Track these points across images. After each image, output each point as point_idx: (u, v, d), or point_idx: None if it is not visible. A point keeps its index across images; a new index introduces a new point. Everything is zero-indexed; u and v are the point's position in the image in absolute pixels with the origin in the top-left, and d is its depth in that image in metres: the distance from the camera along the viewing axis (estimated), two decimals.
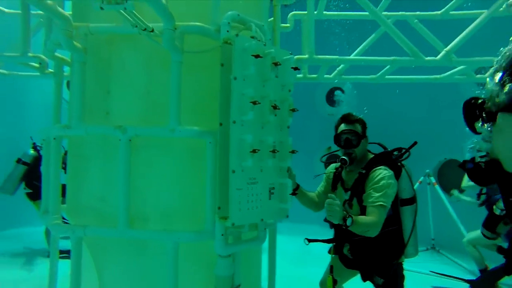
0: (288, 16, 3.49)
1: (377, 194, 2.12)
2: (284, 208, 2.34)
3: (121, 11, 1.77)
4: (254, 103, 2.02)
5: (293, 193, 2.44)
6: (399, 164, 2.25)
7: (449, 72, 3.26)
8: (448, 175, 5.98)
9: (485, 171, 1.65)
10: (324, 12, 3.31)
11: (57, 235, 2.62)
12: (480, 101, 1.37)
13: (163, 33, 2.03)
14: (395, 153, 2.25)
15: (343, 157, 2.36)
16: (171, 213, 2.31)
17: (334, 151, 2.65)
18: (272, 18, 3.06)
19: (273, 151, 2.17)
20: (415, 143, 2.23)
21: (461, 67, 3.04)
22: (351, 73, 3.68)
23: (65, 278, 2.91)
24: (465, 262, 5.10)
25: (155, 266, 2.32)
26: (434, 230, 5.80)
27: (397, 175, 2.23)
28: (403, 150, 2.26)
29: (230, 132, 2.04)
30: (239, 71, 2.04)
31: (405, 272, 2.37)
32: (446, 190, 5.52)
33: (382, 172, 2.16)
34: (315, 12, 3.12)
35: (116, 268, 2.39)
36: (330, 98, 7.88)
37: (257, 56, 2.01)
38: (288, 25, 3.43)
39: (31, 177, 4.87)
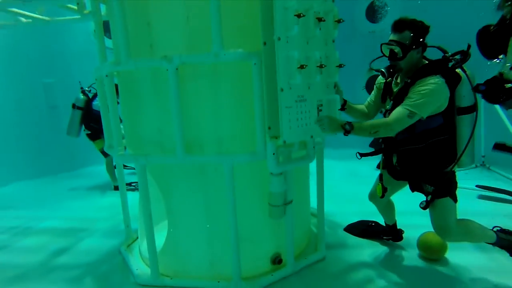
0: None
1: (411, 99, 2.04)
2: None
3: None
4: (299, 16, 1.92)
5: (342, 109, 2.42)
6: (457, 70, 2.09)
7: None
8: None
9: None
10: None
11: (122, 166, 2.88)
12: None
13: None
14: (457, 56, 2.06)
15: (382, 69, 2.27)
16: (224, 137, 2.41)
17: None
18: None
19: (320, 66, 2.11)
20: (469, 48, 2.02)
21: None
22: None
23: (132, 207, 3.30)
24: None
25: (214, 189, 2.50)
26: (485, 146, 5.56)
27: (456, 83, 2.09)
28: (460, 55, 2.06)
29: (276, 49, 2.00)
30: None
31: None
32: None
33: (429, 81, 2.04)
34: None
35: (180, 194, 2.62)
36: (370, 14, 7.27)
37: (299, 16, 1.88)
38: None
39: (88, 119, 5.26)
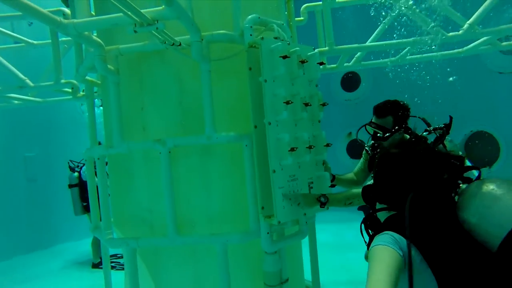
0: (301, 9, 3.49)
1: None
2: None
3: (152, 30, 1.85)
4: (288, 102, 2.07)
5: (332, 185, 2.48)
6: (435, 146, 2.22)
7: (472, 44, 3.20)
8: (476, 148, 5.87)
9: None
10: (337, 0, 3.30)
11: (110, 248, 2.76)
12: None
13: (192, 45, 2.10)
14: (437, 132, 2.18)
15: (366, 148, 2.40)
16: (216, 216, 2.40)
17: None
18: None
19: (310, 147, 2.22)
20: (451, 121, 2.18)
21: (485, 38, 2.98)
22: (368, 58, 3.66)
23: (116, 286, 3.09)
24: None
25: (206, 268, 2.42)
26: None
27: None
28: (441, 131, 2.21)
29: (266, 133, 2.10)
30: (269, 73, 2.09)
31: None
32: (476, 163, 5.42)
33: None
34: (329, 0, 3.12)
35: (170, 273, 2.51)
36: (345, 84, 7.83)
37: (285, 57, 2.06)
38: (302, 18, 3.43)
39: (83, 191, 5.17)
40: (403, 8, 2.95)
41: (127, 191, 2.61)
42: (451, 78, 5.79)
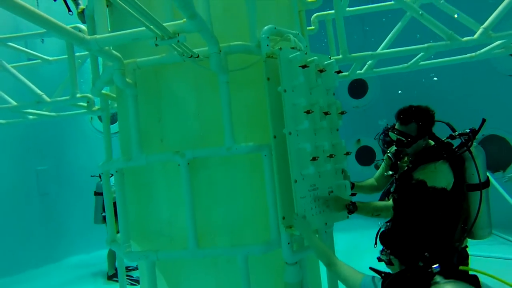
0: (312, 18, 3.51)
1: None
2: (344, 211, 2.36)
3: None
4: (308, 112, 2.06)
5: (353, 194, 2.45)
6: (460, 152, 2.17)
7: (486, 48, 3.19)
8: (489, 152, 5.78)
9: None
10: (348, 9, 3.32)
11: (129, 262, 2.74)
12: None
13: (210, 57, 2.11)
14: (463, 137, 2.13)
15: (389, 155, 2.37)
16: (237, 227, 2.39)
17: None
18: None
19: (330, 156, 2.20)
20: (481, 125, 2.13)
21: (499, 42, 2.97)
22: (380, 65, 3.66)
23: None
24: None
25: (227, 279, 2.39)
26: None
27: (462, 163, 2.17)
28: (466, 136, 2.15)
29: (288, 143, 2.09)
30: (288, 83, 2.10)
31: None
32: (490, 167, 5.35)
33: (431, 168, 2.11)
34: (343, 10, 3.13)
35: (191, 285, 2.48)
36: (352, 90, 7.82)
37: (304, 67, 2.06)
38: (313, 27, 3.45)
39: None
40: (417, 13, 2.96)
41: (146, 203, 2.60)
42: (435, 78, 5.72)
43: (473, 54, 3.33)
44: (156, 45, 1.80)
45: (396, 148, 2.37)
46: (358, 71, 3.51)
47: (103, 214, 5.20)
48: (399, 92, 5.97)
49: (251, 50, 2.26)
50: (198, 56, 2.18)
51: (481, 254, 4.41)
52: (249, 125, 2.42)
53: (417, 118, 2.18)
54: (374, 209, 2.14)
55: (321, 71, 2.17)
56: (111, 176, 2.81)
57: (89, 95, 3.05)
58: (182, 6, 1.56)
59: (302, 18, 3.11)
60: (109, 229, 2.86)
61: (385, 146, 7.04)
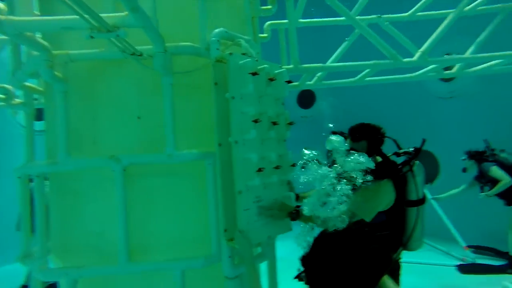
0: (265, 26, 3.48)
1: (355, 202, 2.07)
2: (287, 222, 2.33)
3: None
4: (256, 121, 1.99)
5: (297, 206, 2.42)
6: (404, 172, 2.23)
7: (421, 71, 3.44)
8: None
9: None
10: (300, 20, 3.35)
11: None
12: None
13: (155, 56, 1.94)
14: (407, 156, 2.22)
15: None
16: (178, 240, 2.22)
17: None
18: None
19: (276, 167, 2.15)
20: (421, 146, 2.25)
21: (433, 66, 3.21)
22: (329, 78, 3.75)
23: None
24: (445, 247, 5.36)
25: None
26: None
27: (404, 181, 2.24)
28: (409, 155, 2.24)
29: (233, 152, 2.00)
30: (236, 90, 2.01)
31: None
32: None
33: (374, 186, 2.12)
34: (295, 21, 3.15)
35: None
36: (301, 101, 7.99)
37: (254, 74, 1.99)
38: (265, 35, 3.42)
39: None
40: (365, 31, 3.07)
41: (72, 213, 2.32)
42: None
43: (412, 74, 3.56)
44: (92, 37, 1.60)
45: None
46: (308, 82, 3.56)
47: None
48: (345, 104, 6.25)
49: (200, 52, 2.14)
50: (141, 55, 2.01)
51: (410, 261, 4.72)
52: (195, 131, 2.28)
53: (367, 136, 2.26)
54: (316, 217, 2.11)
55: (271, 79, 2.12)
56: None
57: (8, 86, 2.66)
58: None
59: (255, 25, 3.06)
60: (23, 242, 2.48)
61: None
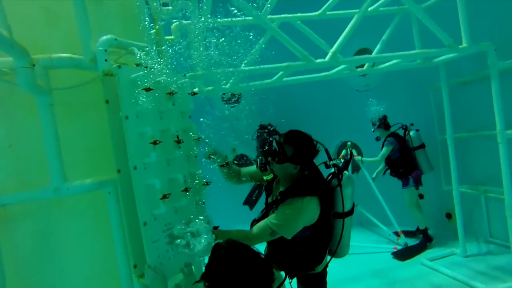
0: (172, 27, 3.20)
1: (276, 219, 1.98)
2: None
3: None
4: (155, 143, 1.75)
5: (215, 227, 2.23)
6: (332, 186, 2.14)
7: (336, 69, 3.49)
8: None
9: None
10: (210, 20, 3.13)
11: None
12: None
13: (17, 72, 1.58)
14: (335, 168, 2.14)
15: (255, 159, 2.21)
16: (86, 281, 1.91)
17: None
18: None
19: (186, 190, 1.94)
20: (350, 157, 2.19)
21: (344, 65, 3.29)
22: (245, 80, 3.63)
23: None
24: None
25: None
26: None
27: (331, 194, 2.16)
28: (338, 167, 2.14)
29: (133, 179, 1.74)
30: (130, 108, 1.75)
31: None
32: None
33: (297, 203, 1.98)
34: (202, 20, 2.92)
35: None
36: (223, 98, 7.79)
37: (148, 90, 1.74)
38: (172, 37, 3.14)
39: None
40: (276, 33, 2.98)
41: None
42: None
43: (327, 73, 3.61)
44: None
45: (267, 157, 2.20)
46: (223, 86, 3.39)
47: None
48: (270, 99, 6.24)
49: (82, 65, 1.81)
50: None
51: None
52: (89, 157, 1.96)
53: (297, 144, 2.04)
54: (234, 238, 1.94)
55: (171, 93, 1.89)
56: None
57: None
58: None
59: (159, 27, 2.78)
60: None
61: (260, 144, 7.21)
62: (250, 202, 5.11)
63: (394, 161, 4.89)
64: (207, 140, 2.16)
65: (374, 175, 5.19)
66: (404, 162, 4.82)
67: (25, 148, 1.83)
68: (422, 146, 4.84)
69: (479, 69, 4.00)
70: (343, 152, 4.74)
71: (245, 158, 6.92)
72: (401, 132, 4.95)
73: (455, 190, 4.24)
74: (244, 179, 2.50)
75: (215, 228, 2.14)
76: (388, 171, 5.05)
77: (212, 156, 2.22)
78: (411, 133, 4.87)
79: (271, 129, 6.64)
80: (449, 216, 5.25)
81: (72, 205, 1.91)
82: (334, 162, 2.15)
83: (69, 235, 1.93)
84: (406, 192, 4.87)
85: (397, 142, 4.83)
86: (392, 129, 5.00)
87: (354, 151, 4.89)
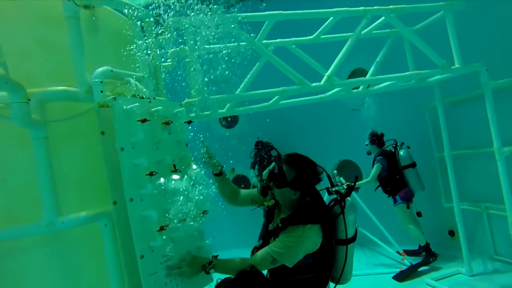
0: (169, 53, 3.24)
1: (277, 246, 1.94)
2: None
3: None
4: (151, 174, 1.73)
5: (215, 256, 2.17)
6: (334, 214, 2.08)
7: (331, 92, 3.51)
8: (345, 173, 6.51)
9: None
10: (206, 46, 3.17)
11: None
12: None
13: (11, 108, 1.58)
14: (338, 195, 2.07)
15: (259, 184, 2.13)
16: None
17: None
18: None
19: (183, 220, 1.90)
20: (354, 184, 2.14)
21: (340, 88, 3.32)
22: (242, 104, 3.64)
23: None
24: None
25: None
26: None
27: (333, 221, 2.12)
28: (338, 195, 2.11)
29: (129, 211, 1.71)
30: (125, 139, 1.74)
31: None
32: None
33: (298, 232, 1.94)
34: (197, 46, 2.96)
35: None
36: (225, 118, 7.82)
37: (143, 121, 1.73)
38: (169, 63, 3.18)
39: None
40: (271, 58, 3.01)
41: None
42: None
43: (323, 95, 3.64)
44: None
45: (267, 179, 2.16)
46: (220, 110, 3.40)
47: None
48: (267, 120, 6.23)
49: (78, 97, 1.82)
50: None
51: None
52: (83, 189, 1.93)
53: (299, 170, 1.99)
54: (232, 270, 1.87)
55: (167, 123, 1.89)
56: None
57: None
58: None
59: (154, 54, 2.81)
60: None
61: (257, 160, 7.15)
62: None
63: (383, 179, 4.88)
64: (206, 143, 2.13)
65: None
66: (391, 181, 4.79)
67: (18, 181, 1.80)
68: (413, 165, 4.76)
69: (472, 87, 4.04)
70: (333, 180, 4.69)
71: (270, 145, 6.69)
72: (392, 149, 4.95)
73: (456, 207, 4.20)
74: (245, 201, 2.44)
75: (215, 257, 2.09)
76: (380, 188, 5.03)
77: (207, 157, 2.15)
78: (401, 152, 4.80)
79: (268, 147, 6.63)
80: (452, 233, 5.17)
81: (66, 236, 1.86)
82: (336, 188, 2.11)
83: (62, 266, 1.86)
84: (397, 209, 4.84)
85: (385, 160, 4.81)
86: (385, 145, 5.00)
87: (342, 179, 4.80)
